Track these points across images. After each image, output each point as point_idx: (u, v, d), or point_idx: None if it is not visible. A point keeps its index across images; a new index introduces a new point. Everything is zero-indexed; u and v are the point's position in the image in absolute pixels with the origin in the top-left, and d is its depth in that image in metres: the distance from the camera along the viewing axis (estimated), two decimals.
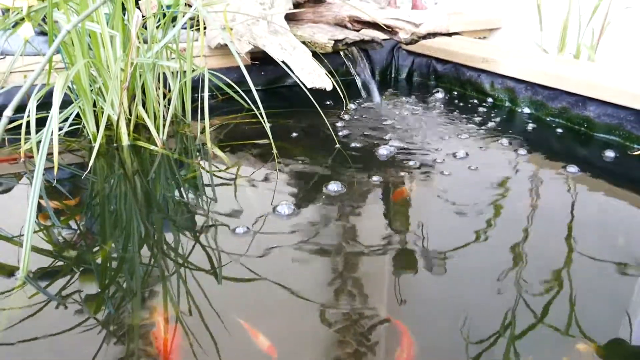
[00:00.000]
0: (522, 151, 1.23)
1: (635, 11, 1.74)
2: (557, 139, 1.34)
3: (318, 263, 0.83)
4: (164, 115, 1.28)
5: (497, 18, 2.23)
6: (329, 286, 0.76)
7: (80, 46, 1.13)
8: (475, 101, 1.62)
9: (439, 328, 0.69)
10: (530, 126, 1.40)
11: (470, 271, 0.81)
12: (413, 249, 0.86)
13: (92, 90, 1.21)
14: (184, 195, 1.06)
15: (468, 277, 0.79)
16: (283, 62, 1.35)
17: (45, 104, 1.15)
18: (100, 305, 0.72)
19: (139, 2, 1.49)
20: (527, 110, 1.51)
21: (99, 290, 0.75)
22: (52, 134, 0.85)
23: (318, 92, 1.28)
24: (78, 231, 0.92)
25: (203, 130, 1.24)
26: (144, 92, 1.27)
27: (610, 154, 1.21)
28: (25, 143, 1.11)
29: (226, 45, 1.56)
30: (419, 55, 1.88)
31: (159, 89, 1.32)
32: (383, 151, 1.21)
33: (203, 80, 1.23)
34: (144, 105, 1.27)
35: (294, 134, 1.33)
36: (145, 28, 1.28)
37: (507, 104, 1.57)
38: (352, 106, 1.53)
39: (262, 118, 1.08)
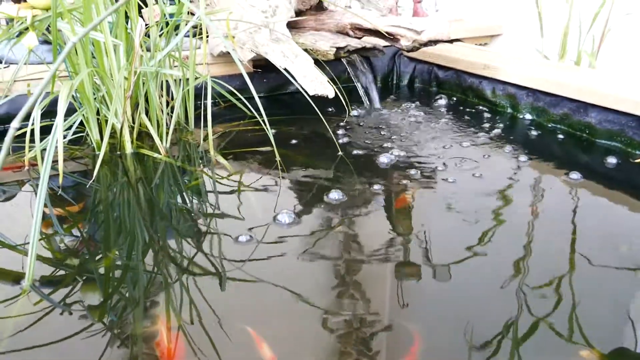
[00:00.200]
0: (525, 157, 1.23)
1: (635, 18, 1.75)
2: (559, 145, 1.34)
3: (319, 271, 0.83)
4: (167, 123, 1.28)
5: (498, 25, 2.23)
6: (331, 294, 0.77)
7: (84, 55, 1.14)
8: (477, 108, 1.62)
9: (442, 334, 0.69)
10: (531, 132, 1.41)
11: (474, 277, 0.81)
12: (416, 255, 0.86)
13: (95, 99, 1.21)
14: (187, 203, 1.07)
15: (471, 284, 0.79)
16: (285, 69, 1.35)
17: (48, 113, 1.16)
18: (104, 313, 0.72)
19: (142, 10, 1.50)
20: (528, 116, 1.52)
21: (103, 298, 0.76)
22: (57, 143, 0.85)
23: (320, 99, 1.28)
24: (82, 239, 0.92)
25: (206, 138, 1.25)
26: (147, 100, 1.28)
27: (612, 160, 1.21)
28: (29, 151, 1.11)
29: (228, 53, 1.57)
30: (420, 62, 1.89)
31: (162, 96, 1.33)
32: (385, 159, 1.22)
33: (206, 88, 1.23)
34: (147, 113, 1.28)
35: (296, 141, 1.34)
36: (148, 36, 1.29)
37: (509, 110, 1.57)
38: (354, 113, 1.54)
39: (265, 125, 1.09)
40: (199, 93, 1.38)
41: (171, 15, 1.37)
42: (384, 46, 1.57)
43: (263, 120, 1.09)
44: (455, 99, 1.71)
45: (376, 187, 1.09)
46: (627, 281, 0.81)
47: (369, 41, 1.54)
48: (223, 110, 1.49)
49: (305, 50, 1.46)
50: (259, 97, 1.11)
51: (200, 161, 1.25)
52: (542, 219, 0.98)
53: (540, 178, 1.17)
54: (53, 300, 0.75)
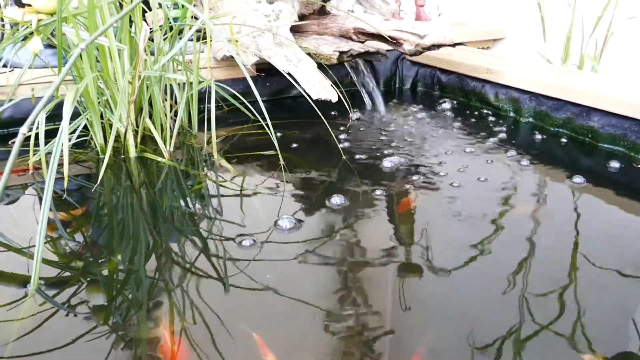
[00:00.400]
0: (528, 161, 1.23)
1: (638, 22, 1.75)
2: (562, 149, 1.34)
3: (321, 276, 0.83)
4: (170, 127, 1.29)
5: (500, 29, 2.24)
6: (334, 300, 0.77)
7: (89, 60, 1.15)
8: (480, 111, 1.62)
9: (445, 338, 0.69)
10: (534, 136, 1.41)
11: (476, 281, 0.81)
12: (422, 260, 0.86)
13: (99, 103, 1.22)
14: (191, 207, 1.07)
15: (474, 288, 0.79)
16: (289, 73, 1.36)
17: (52, 116, 1.16)
18: (108, 316, 0.72)
19: (146, 14, 1.51)
20: (531, 120, 1.52)
21: (107, 301, 0.76)
22: (62, 146, 0.86)
23: (323, 103, 1.29)
24: (86, 242, 0.93)
25: (209, 142, 1.25)
26: (150, 104, 1.28)
27: (615, 164, 1.21)
28: (33, 155, 1.12)
29: (232, 57, 1.58)
30: (423, 65, 1.90)
31: (166, 100, 1.33)
32: (388, 163, 1.22)
33: (209, 92, 1.24)
34: (150, 117, 1.28)
35: (299, 145, 1.34)
36: (152, 40, 1.30)
37: (512, 114, 1.57)
38: (357, 117, 1.54)
39: (269, 129, 1.09)
40: (202, 97, 1.38)
41: (175, 20, 1.38)
42: (387, 50, 1.57)
43: (267, 124, 1.09)
44: (458, 103, 1.72)
45: (379, 191, 1.09)
46: (630, 285, 0.81)
47: (372, 45, 1.55)
48: (226, 114, 1.49)
49: (309, 54, 1.47)
50: (262, 100, 1.12)
51: (204, 165, 1.25)
52: (547, 223, 0.98)
53: (544, 182, 1.17)
54: (58, 303, 0.75)
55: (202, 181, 1.17)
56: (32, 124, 1.19)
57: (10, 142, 1.28)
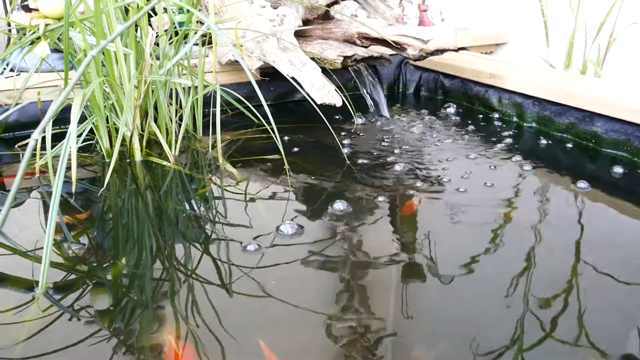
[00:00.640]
0: (531, 166, 1.24)
1: None
2: (565, 154, 1.35)
3: (324, 282, 0.84)
4: (175, 131, 1.29)
5: (503, 33, 2.24)
6: (337, 307, 0.77)
7: (95, 64, 1.16)
8: (483, 116, 1.63)
9: (447, 342, 0.69)
10: (538, 141, 1.41)
11: (480, 285, 0.81)
12: (423, 265, 0.86)
13: (105, 107, 1.23)
14: (196, 210, 1.07)
15: (478, 291, 0.80)
16: (293, 78, 1.36)
17: (57, 120, 1.17)
18: (112, 321, 0.73)
19: (151, 19, 1.52)
20: (534, 125, 1.52)
21: (112, 304, 0.76)
22: (70, 150, 0.86)
23: (327, 107, 1.29)
24: (92, 246, 0.93)
25: (214, 146, 1.26)
26: (155, 108, 1.29)
27: (618, 169, 1.21)
28: (40, 158, 1.13)
29: (236, 61, 1.58)
30: (426, 70, 1.90)
31: (171, 104, 1.34)
32: (393, 168, 1.22)
33: (214, 96, 1.24)
34: (155, 121, 1.29)
35: (303, 149, 1.35)
36: (158, 45, 1.30)
37: (515, 119, 1.58)
38: (361, 121, 1.54)
39: (274, 134, 1.10)
40: (207, 101, 1.39)
41: (181, 24, 1.39)
42: (391, 55, 1.58)
43: (272, 129, 1.10)
44: (461, 107, 1.72)
45: (384, 196, 1.09)
46: (635, 290, 0.81)
47: (376, 50, 1.55)
48: (230, 118, 1.50)
49: (313, 59, 1.47)
50: (266, 105, 1.12)
51: (209, 169, 1.26)
52: (552, 227, 0.99)
53: (548, 187, 1.17)
54: (64, 306, 0.75)
55: (207, 185, 1.17)
56: (36, 127, 1.20)
57: (16, 146, 1.29)
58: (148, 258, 0.90)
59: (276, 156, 1.22)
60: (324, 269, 0.86)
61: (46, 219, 1.03)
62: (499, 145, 1.37)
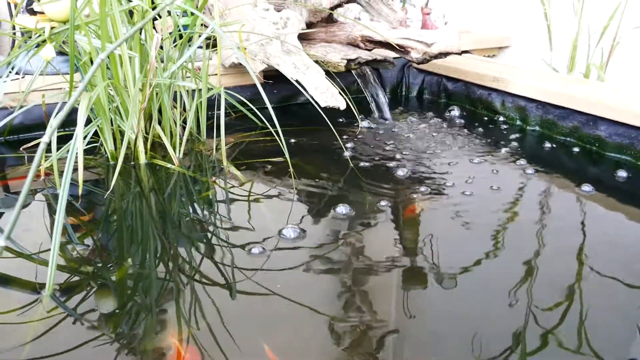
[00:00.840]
0: (535, 169, 1.24)
1: None
2: (569, 158, 1.35)
3: (327, 285, 0.84)
4: (180, 134, 1.30)
5: (506, 36, 2.25)
6: (340, 311, 0.77)
7: (100, 67, 1.16)
8: (487, 119, 1.63)
9: (450, 346, 0.70)
10: (541, 145, 1.41)
11: (484, 288, 0.81)
12: (425, 269, 0.87)
13: (109, 109, 1.23)
14: (200, 213, 1.08)
15: (482, 293, 0.80)
16: (297, 81, 1.37)
17: (63, 123, 1.17)
18: (118, 322, 0.73)
19: (155, 22, 1.52)
20: (538, 129, 1.52)
21: (116, 307, 0.77)
22: (77, 153, 0.87)
23: (330, 110, 1.29)
24: (97, 248, 0.94)
25: (218, 148, 1.26)
26: (160, 111, 1.30)
27: (622, 173, 1.21)
28: (45, 161, 1.13)
29: (240, 64, 1.59)
30: (429, 73, 1.90)
31: (175, 107, 1.34)
32: (396, 171, 1.22)
33: (217, 99, 1.25)
34: (159, 124, 1.29)
35: (307, 152, 1.35)
36: (162, 48, 1.31)
37: (518, 122, 1.58)
38: (364, 124, 1.55)
39: (279, 137, 1.10)
40: (211, 104, 1.39)
41: (185, 27, 1.39)
42: (394, 58, 1.58)
43: (276, 131, 1.10)
44: (464, 110, 1.72)
45: (387, 200, 1.09)
46: (638, 294, 0.81)
47: (380, 53, 1.55)
48: (233, 120, 1.50)
49: (316, 61, 1.48)
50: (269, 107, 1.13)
51: (212, 171, 1.26)
52: (558, 230, 0.99)
53: (553, 190, 1.17)
54: (72, 309, 0.76)
55: (211, 187, 1.18)
56: (43, 129, 1.21)
57: (21, 149, 1.29)
58: (153, 260, 0.90)
59: (280, 159, 1.22)
60: (326, 273, 0.86)
61: (51, 221, 1.03)
62: (502, 149, 1.37)
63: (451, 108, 1.71)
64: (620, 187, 1.18)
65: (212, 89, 1.36)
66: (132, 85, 1.18)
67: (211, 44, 1.42)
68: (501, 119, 1.62)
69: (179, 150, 1.28)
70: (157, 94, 1.26)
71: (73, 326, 0.73)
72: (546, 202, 1.12)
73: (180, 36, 1.32)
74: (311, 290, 0.83)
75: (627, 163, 1.28)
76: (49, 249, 0.89)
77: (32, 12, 1.35)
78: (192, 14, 1.27)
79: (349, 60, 1.47)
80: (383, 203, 1.08)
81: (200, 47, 1.39)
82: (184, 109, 1.37)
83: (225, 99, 1.27)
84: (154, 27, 1.49)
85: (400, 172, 1.22)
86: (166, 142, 1.24)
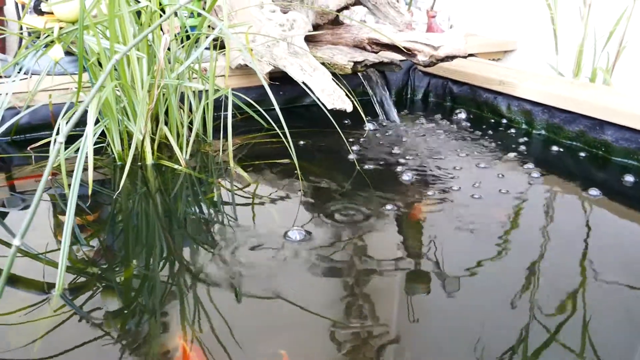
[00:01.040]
0: (541, 173, 1.24)
1: None
2: (575, 162, 1.35)
3: (331, 288, 0.84)
4: (186, 135, 1.30)
5: (511, 40, 2.25)
6: (345, 309, 0.77)
7: None
8: (492, 123, 1.63)
9: (452, 350, 0.69)
10: (548, 149, 1.41)
11: (488, 291, 0.81)
12: (430, 272, 0.87)
13: (116, 110, 1.23)
14: (206, 214, 1.08)
15: (484, 298, 0.80)
16: (304, 83, 1.37)
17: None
18: (123, 323, 0.73)
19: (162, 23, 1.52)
20: (544, 133, 1.52)
21: (121, 307, 0.77)
22: (87, 152, 0.87)
23: (336, 112, 1.29)
24: (103, 248, 0.94)
25: (225, 149, 1.26)
26: (166, 112, 1.30)
27: (630, 178, 1.21)
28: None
29: (246, 65, 1.59)
30: (434, 76, 1.90)
31: (182, 108, 1.34)
32: (403, 174, 1.22)
33: (223, 100, 1.25)
34: (166, 125, 1.29)
35: (312, 154, 1.35)
36: (169, 49, 1.31)
37: (524, 126, 1.58)
38: (370, 126, 1.55)
39: (287, 138, 1.10)
40: (217, 105, 1.39)
41: (192, 28, 1.39)
42: (401, 61, 1.58)
43: (284, 133, 1.10)
44: (470, 114, 1.72)
45: (393, 203, 1.09)
46: None
47: (386, 56, 1.56)
48: (239, 122, 1.50)
49: (323, 63, 1.48)
50: (275, 109, 1.13)
51: (219, 172, 1.26)
52: (565, 234, 0.99)
53: (560, 194, 1.17)
54: (77, 308, 0.76)
55: (217, 188, 1.18)
56: (50, 129, 1.21)
57: (29, 148, 1.29)
58: (158, 261, 0.90)
59: (286, 160, 1.22)
60: (332, 276, 0.86)
61: (56, 222, 1.03)
62: (508, 153, 1.37)
63: (458, 111, 1.71)
64: (627, 192, 1.18)
65: (218, 90, 1.36)
66: (139, 86, 1.18)
67: (218, 45, 1.42)
68: (507, 122, 1.62)
69: (186, 152, 1.28)
70: (164, 94, 1.27)
71: (79, 325, 0.73)
72: (553, 206, 1.12)
73: (188, 37, 1.32)
74: (316, 293, 0.83)
75: (634, 168, 1.28)
76: (56, 249, 0.90)
77: (40, 12, 1.35)
78: (200, 15, 1.28)
79: (355, 63, 1.47)
80: (389, 207, 1.08)
81: (207, 48, 1.40)
82: (191, 110, 1.37)
83: (232, 100, 1.27)
84: (161, 28, 1.49)
85: (406, 176, 1.21)
86: (173, 143, 1.25)
